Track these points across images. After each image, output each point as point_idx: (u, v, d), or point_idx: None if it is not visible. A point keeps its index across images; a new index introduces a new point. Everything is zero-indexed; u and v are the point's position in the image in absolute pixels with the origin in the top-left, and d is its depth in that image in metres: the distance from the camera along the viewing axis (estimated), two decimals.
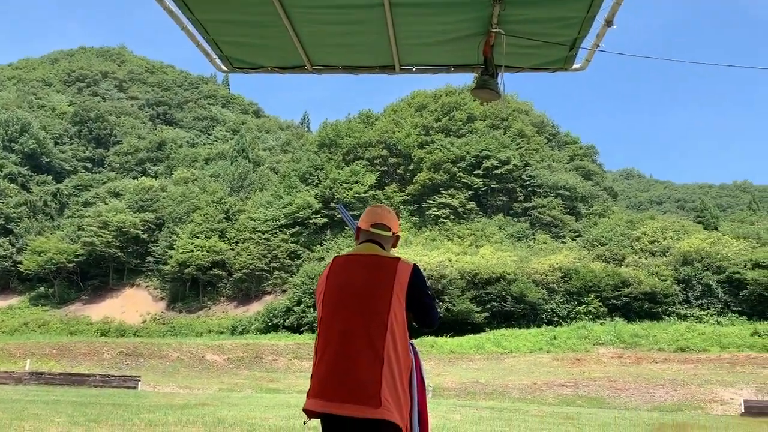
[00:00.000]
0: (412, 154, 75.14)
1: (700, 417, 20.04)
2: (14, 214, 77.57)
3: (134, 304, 68.51)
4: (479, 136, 75.39)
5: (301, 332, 50.37)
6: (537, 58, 3.84)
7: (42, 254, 68.53)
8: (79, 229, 72.52)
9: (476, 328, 47.18)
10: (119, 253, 71.57)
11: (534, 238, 65.49)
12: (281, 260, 67.17)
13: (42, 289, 71.79)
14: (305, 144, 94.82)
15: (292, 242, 68.94)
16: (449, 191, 70.32)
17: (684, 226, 62.84)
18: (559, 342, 41.37)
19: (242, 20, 3.54)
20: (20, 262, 69.76)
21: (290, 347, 41.46)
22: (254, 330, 54.60)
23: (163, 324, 63.78)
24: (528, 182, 71.64)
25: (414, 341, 2.93)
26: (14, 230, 75.84)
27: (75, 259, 69.89)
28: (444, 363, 36.59)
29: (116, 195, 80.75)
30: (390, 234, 3.11)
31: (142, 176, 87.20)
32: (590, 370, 33.22)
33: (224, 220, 72.49)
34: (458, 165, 71.57)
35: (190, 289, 69.42)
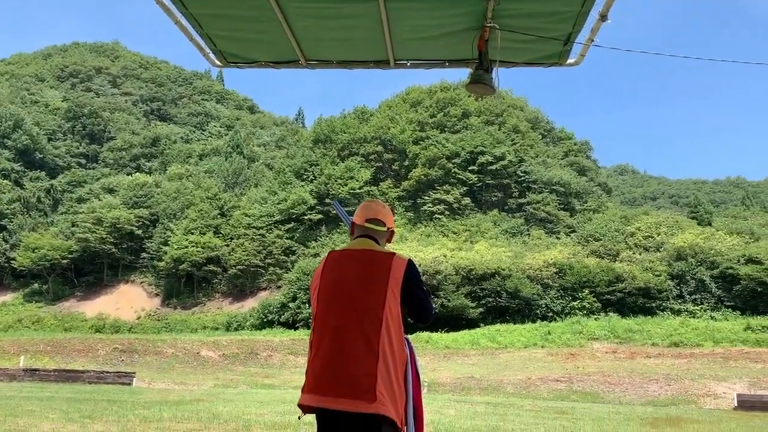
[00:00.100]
0: (407, 150, 75.13)
1: (693, 411, 20.15)
2: (7, 211, 77.22)
3: (129, 300, 68.37)
4: (474, 132, 75.43)
5: (296, 328, 50.40)
6: (531, 53, 3.84)
7: (36, 250, 68.29)
8: (73, 225, 72.26)
9: (471, 324, 47.28)
10: (113, 250, 71.37)
11: (529, 234, 65.66)
12: (276, 256, 67.15)
13: (36, 285, 71.54)
14: (300, 140, 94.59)
15: (287, 238, 68.92)
16: (444, 187, 70.39)
17: (678, 221, 63.10)
18: (553, 337, 41.51)
19: (236, 14, 3.53)
20: (14, 259, 69.51)
21: (285, 343, 41.48)
22: (249, 326, 54.61)
23: (158, 320, 63.69)
24: (523, 178, 71.77)
25: (409, 336, 2.93)
26: (8, 226, 75.51)
27: (69, 256, 69.66)
28: (439, 358, 36.69)
29: (110, 191, 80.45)
30: (385, 229, 3.10)
31: (136, 172, 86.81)
32: (584, 365, 33.35)
33: (219, 216, 72.37)
34: (453, 161, 71.63)
35: (184, 285, 69.34)
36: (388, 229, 3.13)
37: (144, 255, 72.65)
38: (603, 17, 3.30)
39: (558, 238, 63.85)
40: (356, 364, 2.69)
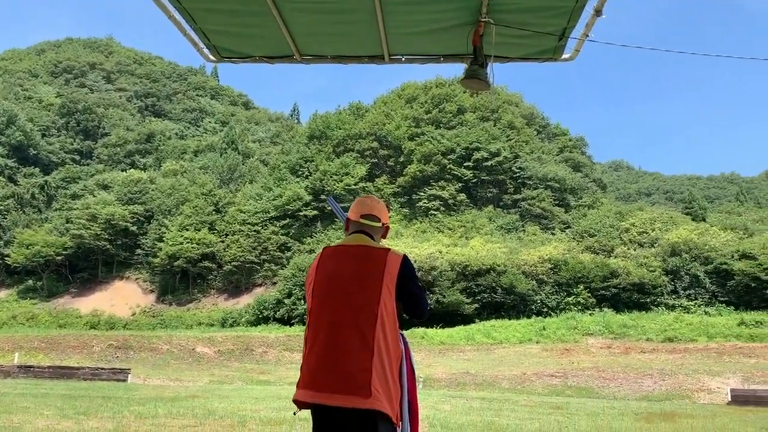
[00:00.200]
0: (403, 146, 75.12)
1: (687, 406, 20.24)
2: (1, 207, 76.98)
3: (124, 296, 68.24)
4: (469, 128, 75.48)
5: (291, 324, 50.41)
6: (526, 48, 3.83)
7: (30, 247, 68.07)
8: (67, 222, 72.04)
9: (466, 320, 47.39)
10: (108, 246, 71.19)
11: (524, 230, 65.77)
12: (271, 252, 67.10)
13: (30, 282, 71.35)
14: (295, 136, 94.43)
15: (282, 234, 68.87)
16: (439, 183, 70.43)
17: (672, 217, 63.27)
18: (548, 333, 41.63)
19: (230, 9, 3.51)
20: (8, 255, 69.27)
21: (281, 339, 41.49)
22: (244, 322, 54.60)
23: (153, 317, 63.61)
24: (518, 174, 71.86)
25: (404, 332, 2.93)
26: (1, 223, 75.24)
27: (63, 252, 69.47)
28: (434, 354, 36.76)
29: (105, 187, 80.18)
30: (379, 225, 3.10)
31: (130, 168, 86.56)
32: (579, 360, 33.46)
33: (214, 212, 72.26)
34: (448, 157, 71.67)
35: (179, 281, 69.25)
36: (383, 224, 3.12)
37: (139, 251, 72.51)
38: (598, 12, 3.30)
39: (553, 234, 63.99)
40: (351, 360, 2.68)
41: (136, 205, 74.28)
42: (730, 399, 22.45)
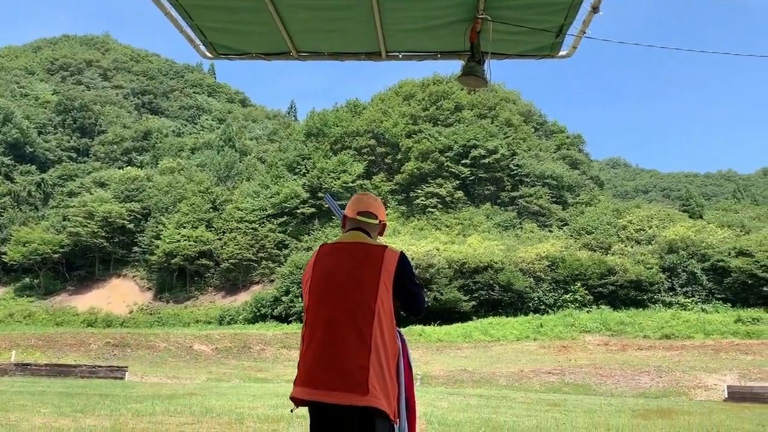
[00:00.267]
0: (400, 144, 75.09)
1: (684, 403, 20.29)
2: None
3: (121, 294, 68.18)
4: (467, 126, 75.46)
5: (289, 322, 50.42)
6: (523, 45, 3.82)
7: (27, 245, 67.97)
8: (64, 219, 71.94)
9: (464, 317, 47.44)
10: (105, 244, 71.11)
11: (521, 227, 65.82)
12: (269, 250, 67.09)
13: (27, 279, 71.23)
14: (292, 133, 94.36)
15: (279, 232, 68.86)
16: (437, 180, 70.44)
17: (669, 214, 63.38)
18: (545, 330, 41.69)
19: (227, 6, 3.50)
20: (4, 253, 69.15)
21: (278, 337, 41.48)
22: (242, 320, 54.59)
23: (150, 314, 63.58)
24: (515, 171, 71.88)
25: (402, 329, 2.92)
26: None
27: (60, 250, 69.36)
28: (432, 351, 36.80)
29: (102, 185, 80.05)
30: (376, 222, 3.09)
31: (127, 166, 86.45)
32: (576, 357, 33.53)
33: (211, 209, 72.20)
34: (446, 154, 71.66)
35: (177, 279, 69.20)
36: (380, 221, 3.12)
37: (136, 249, 72.41)
38: (595, 9, 3.29)
39: (550, 231, 64.05)
40: (348, 357, 2.68)
41: (133, 203, 74.18)
42: (726, 396, 22.53)
